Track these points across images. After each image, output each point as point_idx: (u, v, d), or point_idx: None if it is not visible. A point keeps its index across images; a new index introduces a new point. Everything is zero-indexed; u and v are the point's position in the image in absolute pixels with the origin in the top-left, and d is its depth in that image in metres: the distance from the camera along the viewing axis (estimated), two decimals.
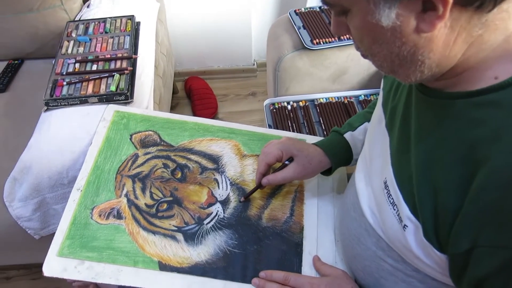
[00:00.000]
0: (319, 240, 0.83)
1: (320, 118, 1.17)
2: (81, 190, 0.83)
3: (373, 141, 0.68)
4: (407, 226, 0.54)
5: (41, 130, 0.94)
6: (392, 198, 0.57)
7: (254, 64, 2.03)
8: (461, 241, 0.47)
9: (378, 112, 0.68)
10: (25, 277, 1.33)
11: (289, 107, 1.20)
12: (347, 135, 0.84)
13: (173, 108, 1.89)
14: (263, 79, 2.02)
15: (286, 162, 0.81)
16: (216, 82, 1.99)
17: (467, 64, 0.48)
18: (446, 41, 0.45)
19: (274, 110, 1.19)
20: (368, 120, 0.84)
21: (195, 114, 1.82)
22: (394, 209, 0.57)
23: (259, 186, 0.83)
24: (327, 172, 0.85)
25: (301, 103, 1.21)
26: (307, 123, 1.15)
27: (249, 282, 0.75)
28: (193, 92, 1.86)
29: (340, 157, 0.83)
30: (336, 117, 1.17)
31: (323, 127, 1.14)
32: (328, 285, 0.72)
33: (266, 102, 1.21)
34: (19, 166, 0.92)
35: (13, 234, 1.03)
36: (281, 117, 1.17)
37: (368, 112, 0.87)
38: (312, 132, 1.13)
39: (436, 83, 0.52)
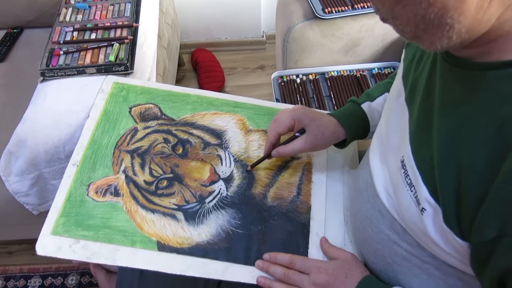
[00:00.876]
0: (327, 220, 0.78)
1: (331, 92, 1.10)
2: (77, 166, 0.79)
3: (390, 116, 0.62)
4: (425, 210, 0.49)
5: (36, 101, 0.90)
6: (410, 179, 0.52)
7: (263, 36, 1.96)
8: (486, 229, 0.42)
9: (398, 85, 0.62)
10: (27, 251, 1.32)
11: (298, 80, 1.14)
12: (365, 106, 0.79)
13: (178, 81, 1.83)
14: (272, 52, 1.95)
15: (297, 134, 0.76)
16: (224, 55, 1.92)
17: (502, 30, 0.41)
18: (480, 3, 0.38)
19: (283, 83, 1.13)
20: (389, 91, 0.78)
21: (201, 87, 1.76)
22: (412, 191, 0.52)
23: (268, 156, 0.79)
24: (341, 144, 0.80)
25: (310, 76, 1.15)
26: (316, 98, 1.09)
27: (252, 264, 0.71)
28: (200, 64, 1.79)
29: (356, 128, 0.78)
30: (348, 91, 1.11)
31: (334, 102, 1.08)
32: (336, 269, 0.67)
33: (274, 74, 1.15)
34: (14, 139, 0.88)
35: (11, 209, 1.00)
36: (290, 91, 1.11)
37: (389, 82, 0.81)
38: (322, 107, 1.07)
39: (465, 51, 0.45)
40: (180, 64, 1.86)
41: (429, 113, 0.51)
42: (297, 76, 1.15)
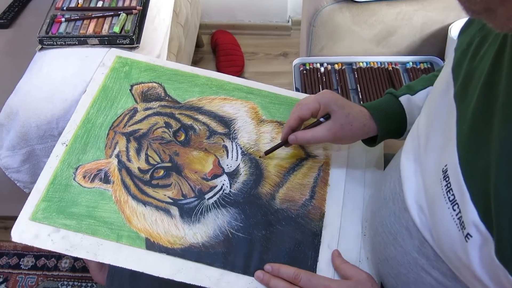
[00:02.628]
0: (342, 231, 0.68)
1: (357, 85, 0.99)
2: (66, 145, 0.71)
3: (432, 115, 0.51)
4: (471, 236, 0.39)
5: (32, 71, 0.82)
6: (453, 194, 0.42)
7: (288, 21, 1.84)
8: None
9: (445, 78, 0.51)
10: None
11: (322, 69, 1.03)
12: (404, 99, 0.68)
13: (196, 63, 1.74)
14: (297, 39, 1.84)
15: (322, 119, 0.67)
16: (245, 39, 1.82)
17: None
18: None
19: (305, 71, 1.02)
20: (433, 85, 0.67)
21: (219, 71, 1.66)
22: (454, 210, 0.41)
23: (285, 142, 0.69)
24: (370, 142, 0.70)
25: (336, 66, 1.04)
26: (341, 90, 0.99)
27: (251, 274, 0.62)
28: (219, 47, 1.70)
29: (390, 124, 0.67)
30: (377, 86, 0.99)
31: (360, 96, 0.97)
32: None
33: (296, 61, 1.05)
34: (5, 110, 0.80)
35: (3, 184, 0.93)
36: (312, 80, 1.00)
37: (435, 76, 0.69)
38: None
39: None
40: (199, 45, 1.77)
41: (489, 113, 0.40)
42: (322, 64, 1.04)
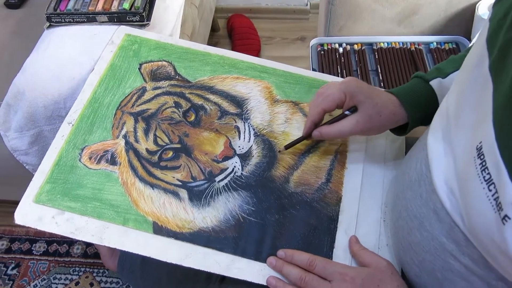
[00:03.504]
0: (360, 216, 0.64)
1: (378, 66, 0.94)
2: (73, 125, 0.68)
3: (464, 90, 0.47)
4: (509, 218, 0.35)
5: (39, 50, 0.79)
6: (489, 173, 0.37)
7: (307, 5, 1.79)
8: None
9: (478, 51, 0.46)
10: None
11: (340, 49, 0.98)
12: (435, 83, 0.63)
13: None
14: (315, 23, 1.77)
15: (347, 113, 0.62)
16: (262, 22, 1.77)
17: None
18: None
19: (322, 52, 0.98)
20: None
21: None
22: (490, 190, 0.37)
23: (308, 136, 0.65)
24: (400, 130, 0.65)
25: (356, 46, 0.99)
26: (360, 71, 0.94)
27: (263, 261, 0.59)
28: (235, 30, 1.66)
29: (421, 111, 0.62)
30: (398, 67, 0.94)
31: (381, 78, 0.92)
32: (366, 279, 0.54)
33: (314, 41, 1.00)
34: (12, 90, 0.78)
35: (11, 168, 0.92)
36: (330, 61, 0.96)
37: (466, 56, 0.64)
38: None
39: None
40: (215, 29, 1.73)
41: None
42: (340, 45, 0.99)
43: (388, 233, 0.63)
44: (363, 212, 0.65)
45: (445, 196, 0.46)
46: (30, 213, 0.60)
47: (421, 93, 0.63)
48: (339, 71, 0.93)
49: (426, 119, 0.64)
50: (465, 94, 0.47)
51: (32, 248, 1.17)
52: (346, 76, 0.91)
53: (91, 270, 1.14)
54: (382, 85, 0.91)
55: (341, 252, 0.61)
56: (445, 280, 0.48)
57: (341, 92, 0.61)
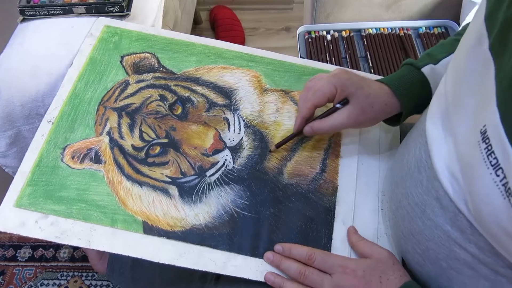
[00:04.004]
0: (357, 206, 0.62)
1: (367, 53, 0.92)
2: (53, 123, 0.64)
3: (462, 73, 0.45)
4: None
5: (13, 45, 0.75)
6: (496, 158, 0.35)
7: None
8: None
9: (475, 31, 0.43)
10: None
11: (328, 37, 0.96)
12: (427, 69, 0.60)
13: None
14: (300, 13, 1.76)
15: (338, 105, 0.59)
16: (246, 14, 1.73)
17: None
18: None
19: (310, 40, 0.95)
20: None
21: None
22: (498, 175, 0.35)
23: (299, 133, 0.63)
24: (393, 120, 0.63)
25: (344, 33, 0.96)
26: (350, 58, 0.92)
27: (260, 256, 0.57)
28: (218, 22, 1.62)
29: (415, 99, 0.60)
30: (388, 53, 0.92)
31: (371, 64, 0.90)
32: (368, 270, 0.52)
33: (301, 29, 0.98)
34: None
35: None
36: (318, 49, 0.93)
37: (456, 40, 0.62)
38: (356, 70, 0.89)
39: None
40: (197, 21, 1.69)
41: None
42: (328, 32, 0.97)
43: (387, 222, 0.61)
44: (360, 202, 0.63)
45: (448, 183, 0.44)
46: (11, 218, 0.57)
47: (413, 81, 0.60)
48: (327, 59, 0.91)
49: (419, 107, 0.62)
50: (464, 77, 0.44)
51: (17, 255, 1.13)
52: (335, 64, 0.89)
53: (79, 274, 1.10)
54: (372, 71, 0.89)
55: (339, 244, 0.59)
56: (450, 269, 0.46)
57: (331, 85, 0.58)
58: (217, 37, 1.63)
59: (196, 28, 1.70)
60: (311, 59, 0.91)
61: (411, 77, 0.61)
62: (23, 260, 1.12)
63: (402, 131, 0.71)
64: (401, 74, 0.62)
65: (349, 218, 0.61)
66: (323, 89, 0.58)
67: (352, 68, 0.89)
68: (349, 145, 0.67)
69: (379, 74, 0.87)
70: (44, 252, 1.13)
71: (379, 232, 0.61)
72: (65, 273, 1.10)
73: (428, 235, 0.48)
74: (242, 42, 1.60)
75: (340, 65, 0.89)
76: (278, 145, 0.64)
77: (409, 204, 0.51)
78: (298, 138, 0.66)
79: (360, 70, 0.89)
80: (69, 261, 1.11)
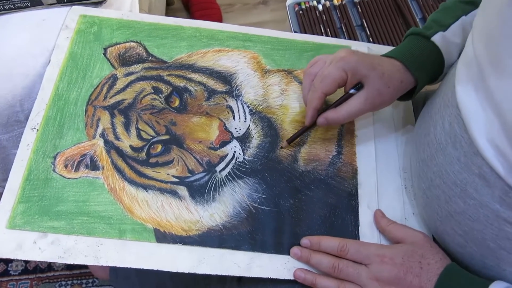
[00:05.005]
0: (381, 187, 0.59)
1: (363, 21, 0.87)
2: (37, 130, 0.58)
3: (498, 33, 0.40)
4: None
5: None
6: None
7: None
8: None
9: None
10: None
11: (320, 7, 0.90)
12: (437, 38, 0.55)
13: None
14: None
15: (353, 91, 0.54)
16: None
17: None
18: None
19: (301, 11, 0.89)
20: (466, 13, 0.56)
21: None
22: None
23: (312, 126, 0.57)
24: (406, 95, 0.58)
25: (335, 1, 0.91)
26: (345, 28, 0.87)
27: (286, 252, 0.53)
28: (192, 1, 1.54)
29: (429, 72, 0.56)
30: (385, 19, 0.87)
31: (368, 33, 0.85)
32: (406, 257, 0.49)
33: (290, 1, 0.91)
34: None
35: None
36: (311, 21, 0.88)
37: (460, 2, 0.58)
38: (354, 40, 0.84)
39: None
40: (169, 3, 1.59)
41: None
42: (318, 1, 0.91)
43: (413, 201, 0.58)
44: (382, 182, 0.59)
45: (493, 158, 0.40)
46: (5, 242, 0.51)
47: (425, 52, 0.56)
48: (322, 31, 0.85)
49: (432, 78, 0.58)
50: (500, 38, 0.40)
51: (9, 269, 1.06)
52: (331, 36, 0.84)
53: (79, 281, 1.04)
54: (371, 40, 0.84)
55: (367, 230, 0.55)
56: (500, 249, 0.43)
57: (341, 70, 0.53)
58: (192, 17, 1.54)
59: (168, 10, 1.61)
60: (305, 32, 0.85)
61: (422, 48, 0.56)
62: (16, 273, 1.05)
63: (415, 102, 0.67)
64: (410, 46, 0.57)
65: (374, 201, 0.57)
66: (332, 75, 0.53)
67: (350, 38, 0.84)
68: (362, 120, 0.63)
69: (378, 43, 0.83)
70: (38, 263, 1.06)
71: (406, 212, 0.57)
72: (63, 283, 1.04)
73: (472, 215, 0.44)
74: (219, 20, 1.53)
75: (336, 37, 0.84)
76: (289, 140, 0.58)
77: (444, 183, 0.47)
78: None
79: (358, 40, 0.84)
80: (66, 269, 1.05)
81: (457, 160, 0.45)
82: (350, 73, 0.52)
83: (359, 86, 0.54)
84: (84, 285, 1.04)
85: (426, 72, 0.55)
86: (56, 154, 0.56)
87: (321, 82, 0.53)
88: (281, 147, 0.59)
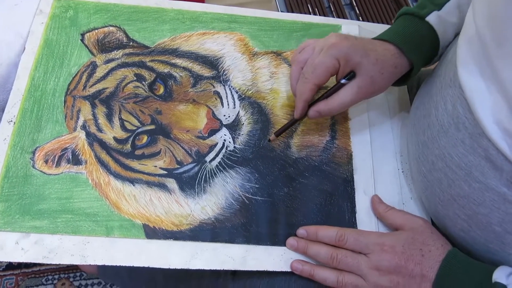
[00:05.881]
0: (377, 172, 0.57)
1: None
2: (14, 123, 0.54)
3: (501, 8, 0.38)
4: None
5: None
6: None
7: None
8: None
9: None
10: None
11: None
12: (432, 18, 0.53)
13: None
14: None
15: (344, 81, 0.51)
16: None
17: None
18: None
19: None
20: None
21: None
22: None
23: (302, 117, 0.54)
24: (400, 80, 0.55)
25: None
26: (334, 7, 0.84)
27: (282, 244, 0.51)
28: None
29: (425, 54, 0.53)
30: None
31: (357, 11, 0.83)
32: (406, 244, 0.47)
33: None
34: None
35: None
36: (298, 1, 0.84)
37: None
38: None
39: None
40: None
41: None
42: None
43: (410, 185, 0.56)
44: (378, 167, 0.57)
45: (501, 140, 0.38)
46: None
47: (419, 34, 0.53)
48: (310, 10, 0.82)
49: (428, 60, 0.55)
50: (505, 14, 0.38)
51: None
52: (320, 16, 0.81)
53: (66, 275, 1.02)
54: (360, 19, 0.81)
55: (365, 217, 0.53)
56: (505, 233, 0.42)
57: (333, 58, 0.49)
58: None
59: None
60: (293, 12, 0.82)
61: (416, 29, 0.53)
62: (0, 269, 1.02)
63: (409, 83, 0.64)
64: (404, 28, 0.54)
65: (370, 186, 0.55)
66: (323, 64, 0.50)
67: (339, 17, 0.81)
68: (356, 105, 0.61)
69: (368, 21, 0.80)
70: None
71: (403, 197, 0.56)
72: (50, 277, 1.02)
73: (477, 199, 0.43)
74: (202, 1, 1.48)
75: (324, 15, 0.81)
76: (277, 133, 0.55)
77: (447, 166, 0.46)
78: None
79: (347, 18, 0.81)
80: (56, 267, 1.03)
81: (461, 142, 0.43)
82: (343, 60, 0.49)
83: (351, 75, 0.51)
84: (71, 279, 1.02)
85: (422, 55, 0.53)
86: (35, 149, 0.53)
87: (312, 73, 0.50)
88: (269, 140, 0.56)
